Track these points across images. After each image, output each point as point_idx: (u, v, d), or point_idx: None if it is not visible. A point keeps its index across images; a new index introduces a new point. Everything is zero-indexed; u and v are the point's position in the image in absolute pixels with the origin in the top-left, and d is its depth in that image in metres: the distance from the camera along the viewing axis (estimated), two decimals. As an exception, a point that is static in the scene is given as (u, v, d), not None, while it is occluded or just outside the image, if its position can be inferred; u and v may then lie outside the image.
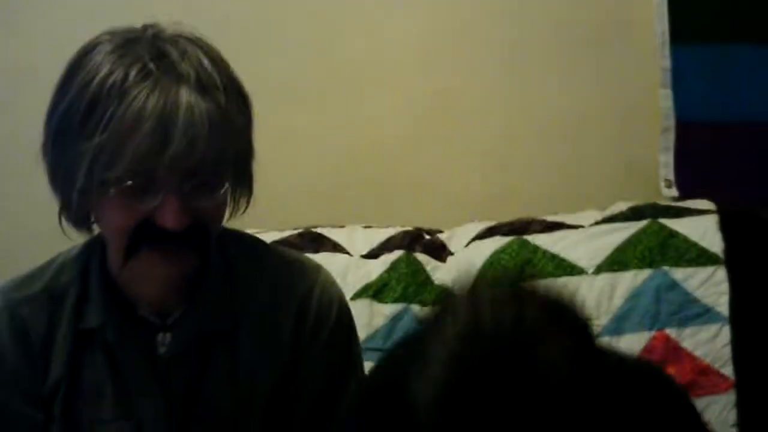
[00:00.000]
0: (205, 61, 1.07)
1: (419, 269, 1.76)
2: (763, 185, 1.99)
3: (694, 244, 1.71)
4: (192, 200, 1.05)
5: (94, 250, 1.20)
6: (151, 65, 1.03)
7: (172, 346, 1.17)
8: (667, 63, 2.02)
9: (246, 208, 1.16)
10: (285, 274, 1.22)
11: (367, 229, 1.88)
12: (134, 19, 1.12)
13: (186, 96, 1.02)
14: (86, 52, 1.07)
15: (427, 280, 1.75)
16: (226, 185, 1.08)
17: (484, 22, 2.09)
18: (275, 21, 2.08)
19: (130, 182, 1.02)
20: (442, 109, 2.09)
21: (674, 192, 2.02)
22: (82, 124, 1.02)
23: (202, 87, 1.04)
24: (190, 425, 1.16)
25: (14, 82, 2.06)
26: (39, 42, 2.06)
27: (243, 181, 1.14)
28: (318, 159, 2.08)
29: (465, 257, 1.77)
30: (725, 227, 1.71)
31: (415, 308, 1.71)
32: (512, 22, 2.07)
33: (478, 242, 1.80)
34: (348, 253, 1.81)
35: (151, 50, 1.05)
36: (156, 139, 1.00)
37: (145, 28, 1.09)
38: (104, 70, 1.02)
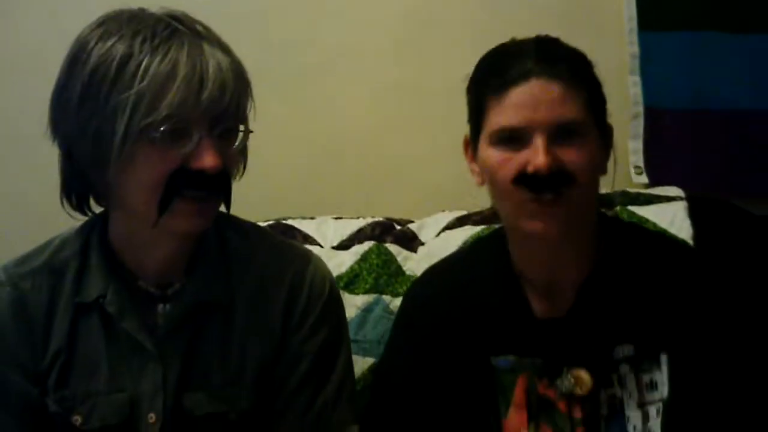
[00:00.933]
0: (210, 28, 1.16)
1: (390, 260, 1.76)
2: (731, 171, 2.01)
3: (664, 231, 1.71)
4: (219, 146, 1.12)
5: (94, 225, 1.25)
6: (175, 23, 1.11)
7: (172, 316, 1.21)
8: (635, 49, 2.03)
9: (243, 172, 1.23)
10: (278, 254, 1.28)
11: (338, 221, 1.88)
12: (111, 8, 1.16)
13: (209, 50, 1.12)
14: (95, 27, 1.13)
15: (399, 270, 1.75)
16: (243, 132, 1.17)
17: (454, 11, 2.08)
18: (245, 12, 2.07)
19: (168, 127, 1.08)
20: (412, 98, 2.08)
21: (644, 179, 2.03)
22: (116, 79, 1.08)
23: (219, 44, 1.14)
24: (184, 395, 1.20)
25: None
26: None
27: (247, 136, 1.20)
28: (288, 149, 2.07)
29: (436, 247, 1.76)
30: (694, 214, 1.72)
31: (387, 299, 1.70)
32: (482, 10, 2.08)
33: (448, 232, 1.80)
34: (319, 244, 1.80)
35: (167, 15, 1.13)
36: (193, 85, 1.08)
37: (140, 9, 1.15)
38: (128, 33, 1.09)
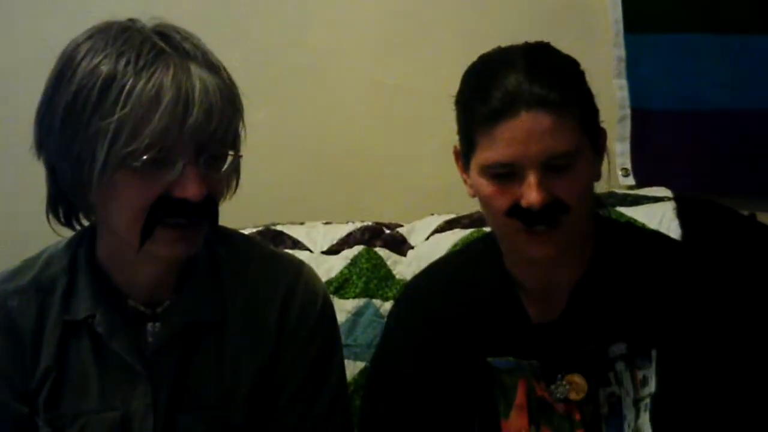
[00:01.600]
0: (201, 44, 1.11)
1: (380, 264, 1.76)
2: (718, 171, 2.02)
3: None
4: (204, 172, 1.08)
5: (82, 241, 1.22)
6: (161, 44, 1.06)
7: (161, 335, 1.19)
8: (621, 52, 2.04)
9: (234, 190, 1.19)
10: (270, 267, 1.26)
11: (327, 225, 1.87)
12: (96, 17, 1.14)
13: (197, 71, 1.06)
14: (83, 40, 1.09)
15: (388, 274, 1.75)
16: (232, 157, 1.12)
17: (443, 13, 2.09)
18: (232, 15, 2.07)
19: (151, 155, 1.04)
20: (401, 100, 2.08)
21: (631, 180, 2.04)
22: (98, 103, 1.04)
23: (208, 64, 1.08)
24: (176, 415, 1.18)
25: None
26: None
27: (237, 160, 1.16)
28: (276, 154, 2.07)
29: (425, 251, 1.77)
30: (682, 214, 1.72)
31: (377, 303, 1.71)
32: (470, 12, 2.08)
33: (437, 235, 1.80)
34: (308, 249, 1.80)
35: (154, 33, 1.08)
36: (177, 111, 1.03)
37: (131, 20, 1.11)
38: (114, 52, 1.05)
